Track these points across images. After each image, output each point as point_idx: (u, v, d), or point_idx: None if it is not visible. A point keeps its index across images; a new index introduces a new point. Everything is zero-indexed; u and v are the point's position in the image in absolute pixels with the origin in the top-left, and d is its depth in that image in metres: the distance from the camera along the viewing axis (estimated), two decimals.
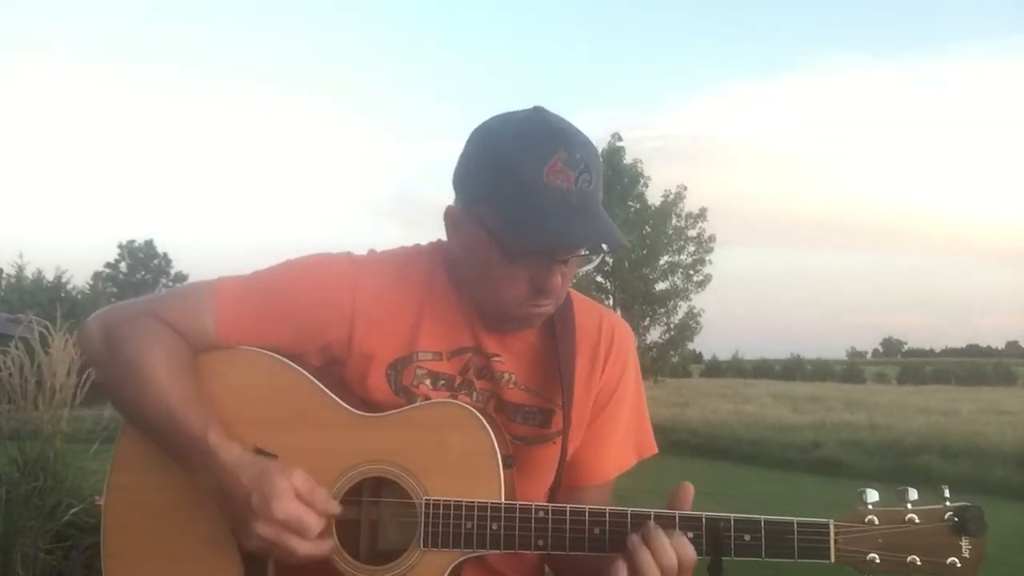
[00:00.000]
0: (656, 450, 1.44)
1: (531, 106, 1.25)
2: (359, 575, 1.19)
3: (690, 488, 1.17)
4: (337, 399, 1.24)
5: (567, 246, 1.19)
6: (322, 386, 1.24)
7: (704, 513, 1.14)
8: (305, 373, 1.25)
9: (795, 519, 1.12)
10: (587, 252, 1.24)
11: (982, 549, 1.12)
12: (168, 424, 1.19)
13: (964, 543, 1.11)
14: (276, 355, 1.26)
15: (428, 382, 1.29)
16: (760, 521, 1.12)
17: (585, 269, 1.31)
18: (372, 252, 1.36)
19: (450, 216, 1.27)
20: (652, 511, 1.14)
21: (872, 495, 1.14)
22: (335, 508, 1.18)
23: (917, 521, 1.12)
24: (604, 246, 1.24)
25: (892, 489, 1.16)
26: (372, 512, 1.22)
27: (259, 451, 1.22)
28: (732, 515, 1.13)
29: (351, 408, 1.23)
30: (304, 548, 1.14)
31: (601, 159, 1.26)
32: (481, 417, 1.20)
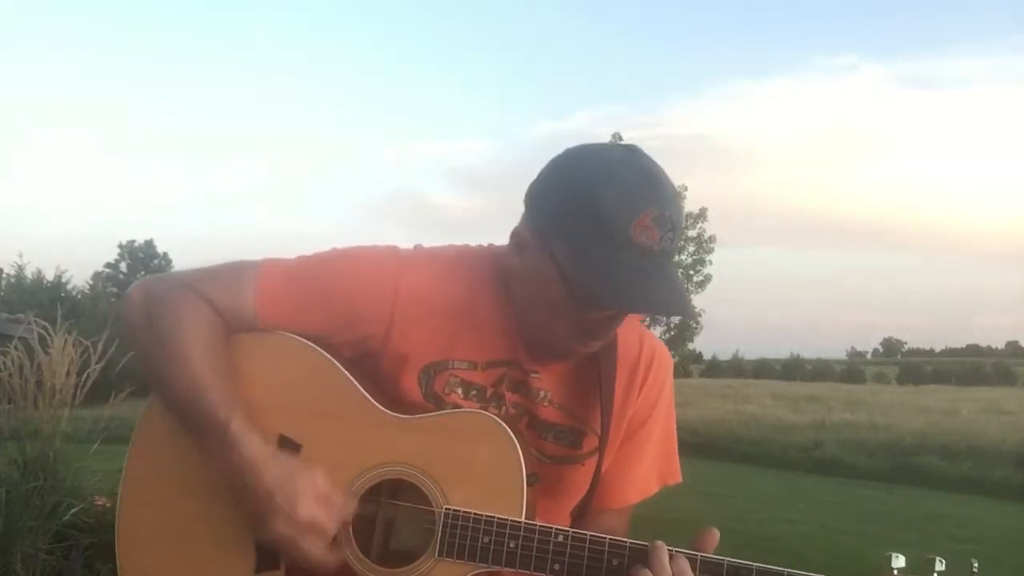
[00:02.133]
0: (679, 479, 1.41)
1: (624, 143, 1.21)
2: (371, 574, 1.18)
3: (716, 534, 1.14)
4: (367, 395, 1.22)
5: (635, 309, 1.17)
6: (354, 380, 1.23)
7: (726, 559, 1.11)
8: (338, 365, 1.23)
9: None
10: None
11: None
12: (193, 403, 1.18)
13: None
14: (311, 343, 1.25)
15: (460, 391, 1.26)
16: (783, 574, 1.09)
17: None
18: (419, 247, 1.33)
19: (518, 238, 1.22)
20: (675, 550, 1.12)
21: (899, 560, 1.11)
22: (352, 510, 1.17)
23: None
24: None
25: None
26: (389, 512, 1.21)
27: (283, 438, 1.21)
28: (755, 565, 1.10)
29: (381, 406, 1.22)
30: (319, 553, 1.14)
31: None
32: (511, 432, 1.18)
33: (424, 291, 1.26)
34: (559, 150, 1.23)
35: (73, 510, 3.83)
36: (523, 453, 1.17)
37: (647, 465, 1.37)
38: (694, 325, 26.43)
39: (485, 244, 1.36)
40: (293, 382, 1.25)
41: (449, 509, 1.16)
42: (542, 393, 1.29)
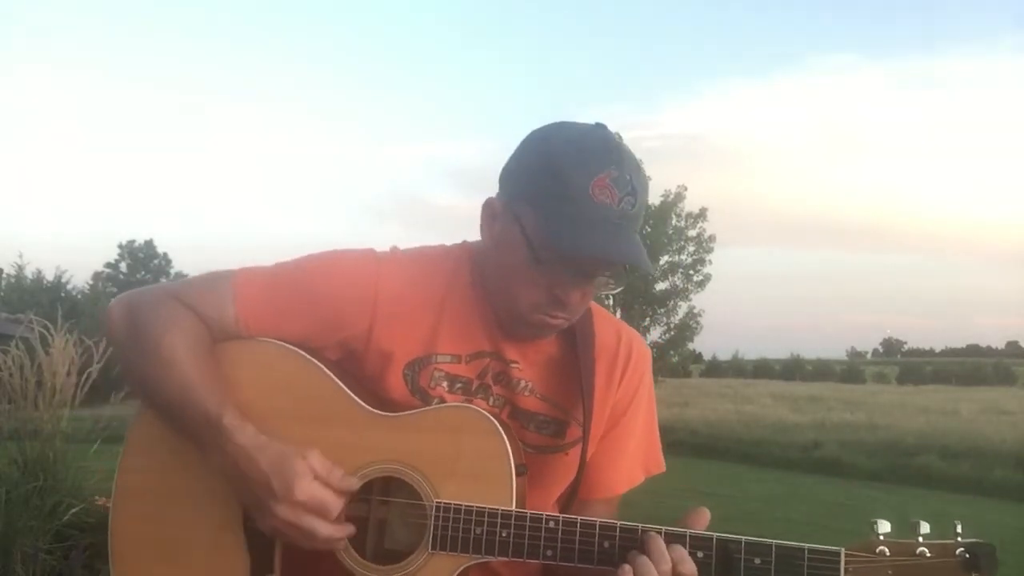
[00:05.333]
0: (664, 468, 1.44)
1: (594, 122, 1.24)
2: (365, 573, 1.19)
3: (706, 513, 1.16)
4: (353, 396, 1.23)
5: (594, 260, 1.19)
6: (339, 382, 1.24)
7: (715, 534, 1.13)
8: (323, 368, 1.25)
9: (807, 546, 1.11)
10: (610, 278, 1.24)
11: None
12: (184, 404, 1.19)
13: None
14: (295, 348, 1.26)
15: (445, 384, 1.28)
16: (771, 545, 1.11)
17: (605, 293, 1.30)
18: (395, 249, 1.35)
19: (489, 207, 1.27)
20: (664, 528, 1.14)
21: (884, 526, 1.12)
22: (354, 485, 1.18)
23: (928, 555, 1.11)
24: (626, 276, 1.25)
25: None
26: (381, 511, 1.22)
27: None
28: (744, 537, 1.12)
29: (367, 406, 1.23)
30: (325, 529, 1.15)
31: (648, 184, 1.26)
32: (497, 424, 1.19)
33: (403, 289, 1.28)
34: None
35: (73, 510, 3.83)
36: (511, 443, 1.19)
37: (632, 455, 1.39)
38: (694, 325, 26.39)
39: (460, 242, 1.38)
40: (279, 387, 1.25)
41: (440, 502, 1.17)
42: (523, 383, 1.31)
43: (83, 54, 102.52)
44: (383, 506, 1.22)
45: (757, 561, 1.11)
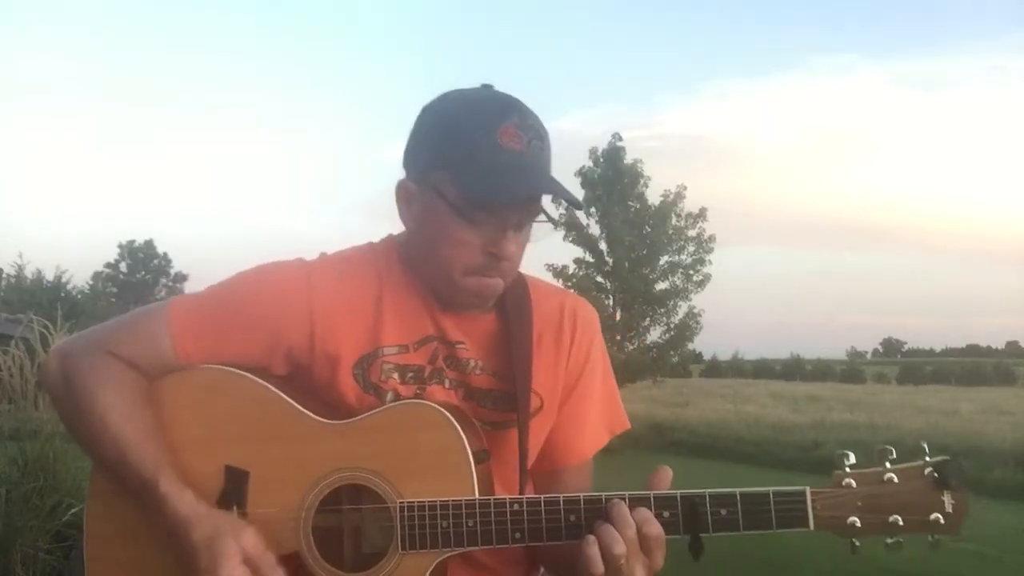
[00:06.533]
0: (628, 425, 1.45)
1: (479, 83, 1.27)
2: None
3: (668, 472, 1.17)
4: (303, 409, 1.23)
5: (516, 202, 1.21)
6: (287, 397, 1.23)
7: (679, 492, 1.13)
8: (269, 386, 1.24)
9: (771, 489, 1.11)
10: (540, 221, 1.25)
11: (964, 503, 1.10)
12: (121, 467, 1.19)
13: (946, 498, 1.09)
14: (237, 370, 1.25)
15: (396, 376, 1.28)
16: (735, 494, 1.11)
17: (540, 240, 1.31)
18: (324, 255, 1.35)
19: (402, 190, 1.28)
20: (627, 493, 1.14)
21: (850, 458, 1.12)
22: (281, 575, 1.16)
23: (896, 480, 1.10)
24: (558, 219, 1.25)
25: (874, 451, 1.15)
26: (353, 519, 1.21)
27: (229, 468, 1.21)
28: (707, 491, 1.12)
29: (318, 417, 1.23)
30: None
31: (545, 128, 1.28)
32: (448, 415, 1.19)
33: (337, 290, 1.28)
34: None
35: (73, 510, 3.83)
36: (466, 431, 1.19)
37: (594, 418, 1.40)
38: (694, 325, 26.38)
39: (385, 236, 1.39)
40: (229, 412, 1.25)
41: (403, 502, 1.17)
42: (472, 362, 1.32)
43: (83, 54, 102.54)
44: (354, 514, 1.21)
45: (723, 512, 1.11)
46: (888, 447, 1.12)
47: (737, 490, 1.11)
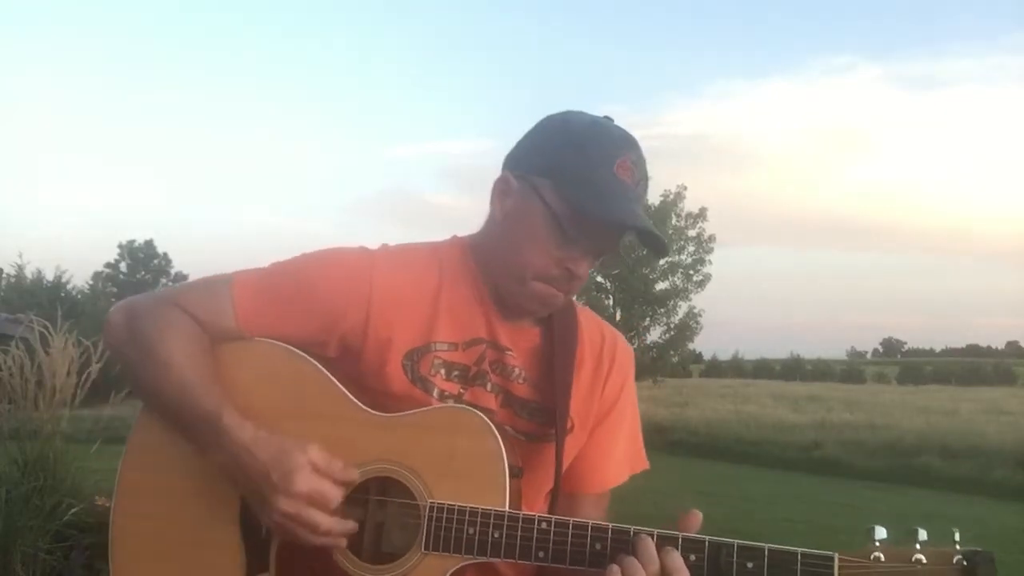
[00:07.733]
0: (647, 466, 1.47)
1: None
2: (360, 573, 1.19)
3: (699, 516, 1.16)
4: (350, 396, 1.24)
5: (625, 226, 1.24)
6: (337, 382, 1.25)
7: (707, 537, 1.12)
8: (321, 368, 1.25)
9: (800, 550, 1.10)
10: (615, 255, 1.28)
11: None
12: (183, 404, 1.21)
13: None
14: (293, 348, 1.27)
15: (443, 372, 1.29)
16: (764, 549, 1.10)
17: (604, 272, 1.34)
18: (385, 246, 1.37)
19: (503, 182, 1.30)
20: (656, 531, 1.13)
21: (880, 532, 1.11)
22: (354, 476, 1.19)
23: (924, 562, 1.09)
24: (623, 259, 1.28)
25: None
26: (377, 511, 1.22)
27: None
28: (736, 541, 1.11)
29: (364, 406, 1.24)
30: (326, 522, 1.15)
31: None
32: (492, 425, 1.20)
33: (397, 281, 1.30)
34: None
35: (73, 510, 3.83)
36: (505, 444, 1.19)
37: (619, 453, 1.42)
38: (694, 325, 26.42)
39: (450, 237, 1.40)
40: (277, 386, 1.26)
41: (433, 503, 1.18)
42: (517, 371, 1.33)
43: (82, 55, 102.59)
44: (379, 506, 1.22)
45: (750, 565, 1.10)
46: (919, 528, 1.10)
47: (766, 545, 1.10)
